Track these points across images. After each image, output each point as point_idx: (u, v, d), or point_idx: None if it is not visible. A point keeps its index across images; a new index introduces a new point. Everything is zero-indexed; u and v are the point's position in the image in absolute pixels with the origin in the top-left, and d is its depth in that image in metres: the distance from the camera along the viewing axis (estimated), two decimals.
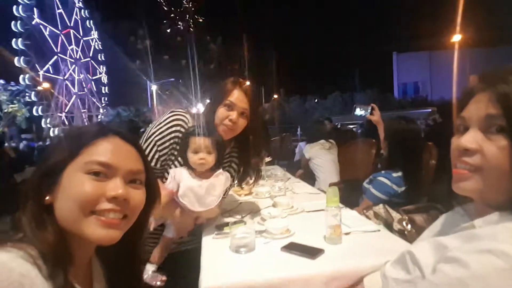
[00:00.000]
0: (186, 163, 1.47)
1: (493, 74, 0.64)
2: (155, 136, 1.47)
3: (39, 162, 0.71)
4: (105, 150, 0.69)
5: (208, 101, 1.66)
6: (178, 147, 1.49)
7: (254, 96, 1.55)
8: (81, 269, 0.70)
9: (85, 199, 0.65)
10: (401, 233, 1.45)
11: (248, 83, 1.57)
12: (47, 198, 0.67)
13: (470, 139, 0.62)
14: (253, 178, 1.78)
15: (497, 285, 0.50)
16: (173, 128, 1.48)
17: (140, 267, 0.86)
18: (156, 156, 1.47)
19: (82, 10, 26.36)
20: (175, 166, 1.51)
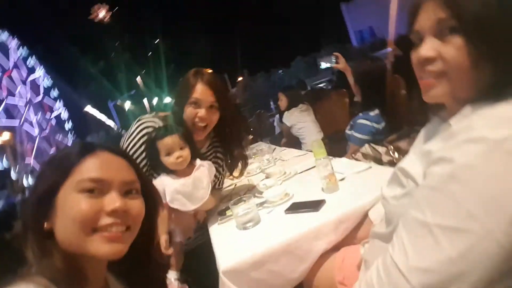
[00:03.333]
0: (162, 170, 1.41)
1: None
2: (129, 150, 1.41)
3: (31, 190, 0.69)
4: (95, 166, 0.67)
5: (173, 100, 1.58)
6: (147, 158, 1.42)
7: (219, 85, 1.48)
8: (96, 287, 0.69)
9: (84, 218, 0.63)
10: (391, 163, 1.50)
11: (209, 71, 1.50)
12: (45, 224, 0.65)
13: (427, 47, 0.63)
14: (241, 165, 1.73)
15: (484, 169, 0.52)
16: (144, 138, 1.42)
17: (160, 273, 0.85)
18: None
19: (20, 48, 24.82)
20: (154, 177, 1.44)
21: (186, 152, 1.39)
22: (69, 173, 0.66)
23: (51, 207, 0.65)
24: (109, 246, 0.64)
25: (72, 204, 0.64)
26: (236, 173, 1.78)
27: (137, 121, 1.47)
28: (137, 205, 0.70)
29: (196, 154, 1.45)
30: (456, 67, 0.61)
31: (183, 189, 1.38)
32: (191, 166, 1.43)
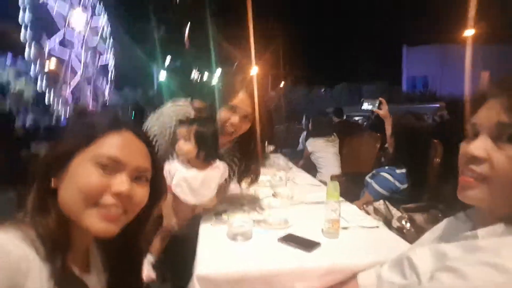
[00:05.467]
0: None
1: (507, 80, 0.62)
2: (155, 130, 1.45)
3: (51, 146, 0.71)
4: (116, 145, 0.69)
5: (212, 92, 1.59)
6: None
7: (260, 99, 1.48)
8: (79, 254, 0.71)
9: (90, 192, 0.65)
10: (400, 231, 1.44)
11: (255, 80, 1.50)
12: (53, 182, 0.67)
13: (479, 146, 0.60)
14: (251, 180, 1.71)
15: None
16: (174, 123, 1.45)
17: (141, 259, 0.86)
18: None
19: None
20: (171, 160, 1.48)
21: (187, 146, 1.39)
22: (90, 143, 0.68)
23: (63, 168, 0.67)
24: (103, 225, 0.65)
25: (83, 173, 0.65)
26: (244, 184, 1.76)
27: (172, 104, 1.50)
28: (142, 193, 0.71)
29: (216, 154, 1.46)
30: (502, 176, 0.57)
31: (191, 181, 1.40)
32: (208, 164, 1.44)
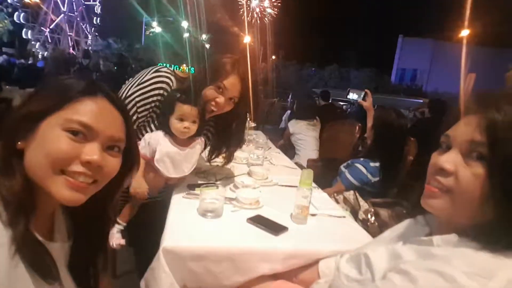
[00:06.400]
0: (163, 127, 1.40)
1: (487, 97, 0.63)
2: (136, 97, 1.39)
3: (20, 104, 0.66)
4: (90, 111, 0.65)
5: (200, 68, 1.53)
6: (158, 110, 1.42)
7: (248, 83, 1.46)
8: (43, 220, 0.69)
9: (58, 157, 0.62)
10: (364, 224, 1.51)
11: (248, 64, 1.46)
12: (19, 143, 0.63)
13: (448, 159, 0.62)
14: (223, 160, 1.74)
15: None
16: (156, 91, 1.40)
17: (107, 226, 0.85)
18: (134, 118, 1.40)
19: None
20: (150, 129, 1.45)
21: (194, 127, 1.40)
22: (63, 106, 0.64)
23: (32, 129, 0.63)
24: (69, 193, 0.63)
25: (52, 138, 0.62)
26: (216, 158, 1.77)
27: (155, 71, 1.43)
28: (113, 163, 0.69)
29: (200, 131, 1.45)
30: (465, 192, 0.60)
31: (175, 156, 1.39)
32: (191, 138, 1.43)
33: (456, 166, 0.61)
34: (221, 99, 1.42)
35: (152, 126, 1.47)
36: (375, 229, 1.42)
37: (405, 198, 1.57)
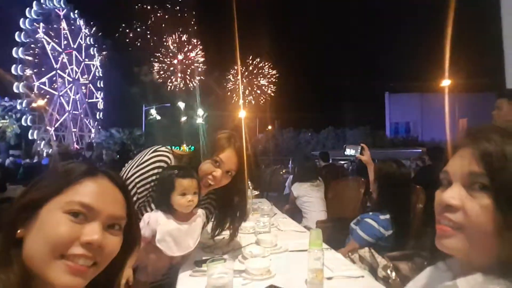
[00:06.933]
0: (164, 207, 1.39)
1: (477, 131, 0.64)
2: (136, 177, 1.41)
3: (21, 193, 0.67)
4: (90, 191, 0.66)
5: (196, 144, 1.57)
6: (155, 189, 1.43)
7: (244, 156, 1.49)
8: None
9: (58, 241, 0.61)
10: (385, 281, 1.40)
11: (242, 139, 1.52)
12: (19, 231, 0.63)
13: (453, 195, 0.61)
14: (230, 236, 1.68)
15: None
16: (155, 170, 1.42)
17: None
18: (134, 199, 1.40)
19: (88, 37, 26.94)
20: (150, 209, 1.44)
21: (196, 199, 1.40)
22: (63, 190, 0.65)
23: (32, 217, 0.63)
24: (69, 278, 0.61)
25: (52, 222, 0.62)
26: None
27: (153, 151, 1.47)
28: (114, 242, 0.67)
29: (198, 203, 1.45)
30: (477, 225, 0.57)
31: (176, 233, 1.36)
32: (190, 212, 1.42)
33: (462, 200, 0.60)
34: (218, 173, 1.43)
35: (153, 205, 1.45)
36: (397, 286, 1.31)
37: (422, 248, 1.48)
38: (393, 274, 1.37)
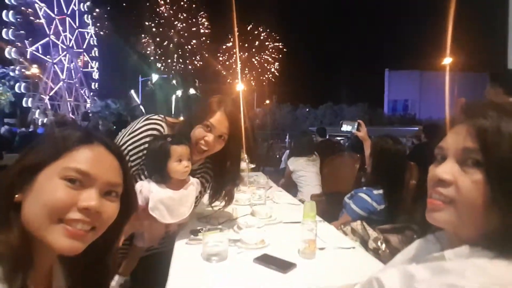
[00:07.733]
0: (157, 175, 1.39)
1: (473, 107, 0.64)
2: (128, 145, 1.40)
3: (18, 158, 0.68)
4: (86, 158, 0.66)
5: (189, 112, 1.58)
6: (149, 158, 1.42)
7: (238, 119, 1.47)
8: (41, 275, 0.67)
9: (56, 206, 0.62)
10: (376, 252, 1.45)
11: (234, 101, 1.49)
12: (17, 196, 0.64)
13: (446, 170, 0.61)
14: (225, 202, 1.68)
15: None
16: (148, 138, 1.41)
17: (107, 278, 0.82)
18: None
19: (82, 4, 25.72)
20: (145, 177, 1.43)
21: (190, 165, 1.40)
22: (59, 156, 0.65)
23: (29, 181, 0.64)
24: (67, 241, 0.62)
25: (49, 187, 0.63)
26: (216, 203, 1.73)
27: (146, 119, 1.45)
28: (111, 209, 0.69)
29: (195, 172, 1.46)
30: (467, 200, 0.59)
31: (169, 202, 1.37)
32: (183, 180, 1.42)
33: (454, 175, 0.61)
34: (210, 137, 1.42)
35: (146, 174, 1.46)
36: (387, 257, 1.36)
37: (413, 222, 1.52)
38: (383, 246, 1.42)
